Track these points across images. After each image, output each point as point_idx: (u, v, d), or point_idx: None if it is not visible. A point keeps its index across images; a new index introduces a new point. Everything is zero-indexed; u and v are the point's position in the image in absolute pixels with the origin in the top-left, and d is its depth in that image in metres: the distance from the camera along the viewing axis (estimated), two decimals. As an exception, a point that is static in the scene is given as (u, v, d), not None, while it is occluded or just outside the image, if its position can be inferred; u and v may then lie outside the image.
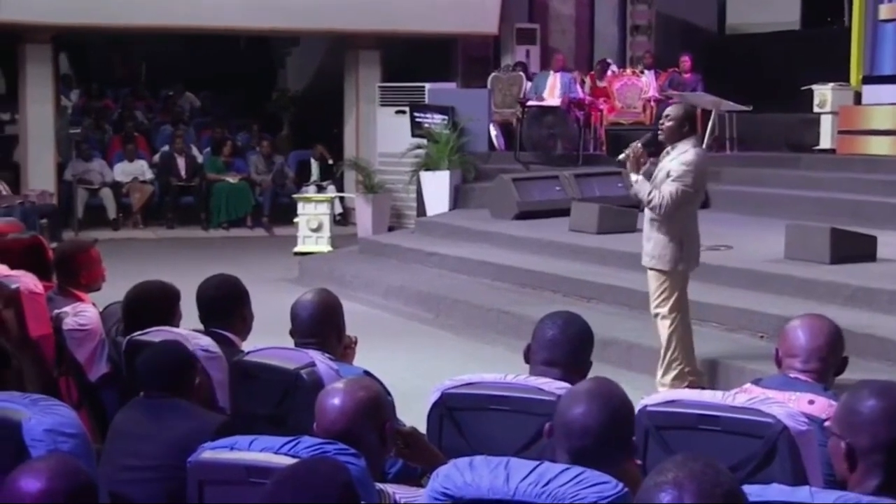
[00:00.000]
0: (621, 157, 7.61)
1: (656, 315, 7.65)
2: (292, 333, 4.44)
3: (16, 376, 5.14)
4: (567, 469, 2.76)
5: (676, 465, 2.35)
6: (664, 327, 7.60)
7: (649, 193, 7.35)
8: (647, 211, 7.58)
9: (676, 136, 7.42)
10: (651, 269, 7.64)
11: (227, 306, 4.86)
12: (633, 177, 7.43)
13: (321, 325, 4.41)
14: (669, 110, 7.66)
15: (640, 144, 7.53)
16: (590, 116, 16.51)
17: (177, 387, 4.01)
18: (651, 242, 7.59)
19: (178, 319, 5.09)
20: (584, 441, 2.97)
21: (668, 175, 7.35)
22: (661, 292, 7.56)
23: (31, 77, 16.87)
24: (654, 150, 7.69)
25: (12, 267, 5.60)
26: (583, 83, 16.77)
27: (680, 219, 7.45)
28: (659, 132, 7.59)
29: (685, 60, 16.69)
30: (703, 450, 3.13)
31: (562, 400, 3.14)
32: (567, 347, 3.96)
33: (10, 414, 3.38)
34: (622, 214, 12.09)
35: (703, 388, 6.98)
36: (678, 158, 7.38)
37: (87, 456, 3.28)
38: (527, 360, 4.06)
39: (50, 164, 16.89)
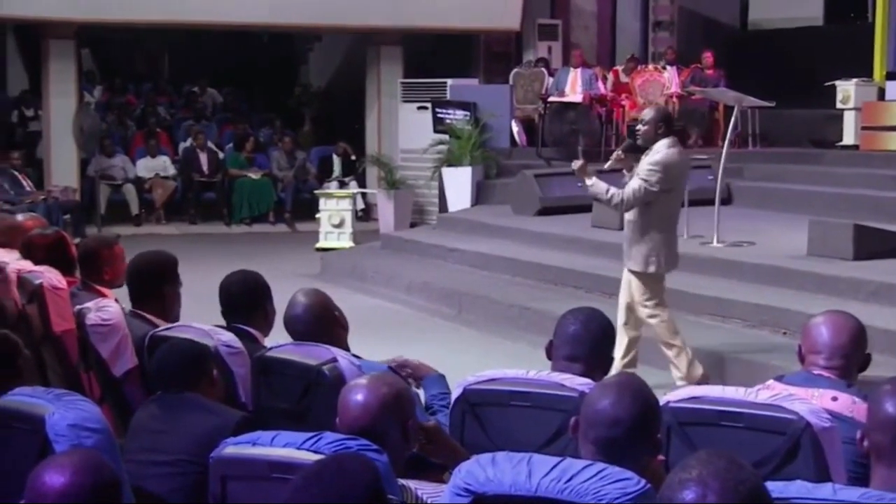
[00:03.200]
0: (607, 165, 7.96)
1: (651, 316, 7.71)
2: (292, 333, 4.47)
3: (39, 371, 5.19)
4: (590, 465, 2.76)
5: (700, 462, 2.34)
6: (658, 327, 7.69)
7: (607, 192, 7.53)
8: (626, 214, 7.72)
9: (653, 137, 7.56)
10: (629, 270, 7.77)
11: (249, 302, 4.88)
12: (587, 181, 7.61)
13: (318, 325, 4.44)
14: (644, 113, 7.86)
15: (620, 151, 7.83)
16: (612, 112, 16.47)
17: (192, 382, 4.01)
18: (626, 244, 7.75)
19: (179, 286, 5.22)
20: (612, 432, 2.97)
21: (637, 175, 7.53)
22: (644, 293, 7.69)
23: (53, 73, 16.93)
24: (639, 151, 7.80)
25: (36, 262, 5.63)
26: (605, 79, 16.74)
27: (654, 221, 7.59)
28: (637, 135, 7.77)
29: (708, 56, 16.62)
30: (726, 446, 3.13)
31: (591, 391, 3.15)
32: (589, 343, 3.97)
33: (33, 409, 3.40)
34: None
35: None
36: (647, 158, 7.54)
37: (111, 451, 3.28)
38: (549, 357, 4.06)
39: (73, 160, 16.95)
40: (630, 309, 7.80)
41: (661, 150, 7.51)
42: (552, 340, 4.05)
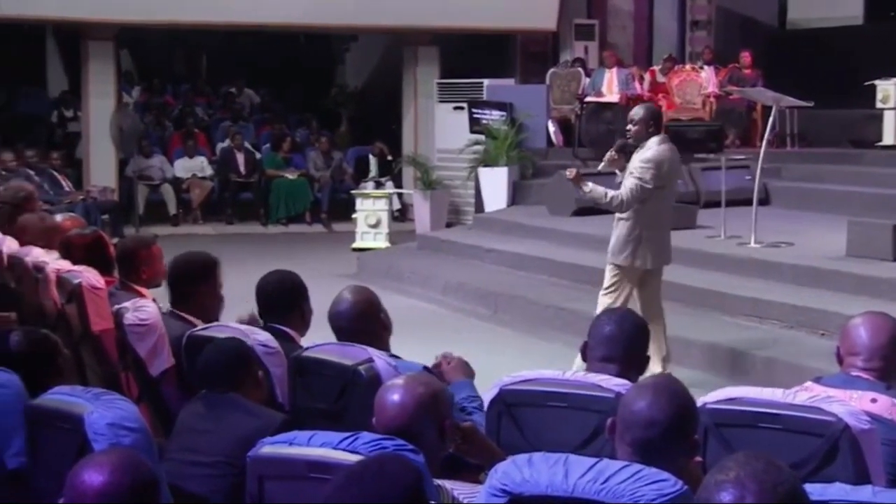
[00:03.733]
0: (601, 167, 8.15)
1: (602, 303, 7.70)
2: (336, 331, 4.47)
3: (78, 370, 5.22)
4: (626, 466, 2.75)
5: (738, 464, 2.33)
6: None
7: (606, 195, 7.65)
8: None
9: (643, 136, 7.69)
10: (608, 262, 7.87)
11: (286, 302, 4.89)
12: (584, 188, 7.69)
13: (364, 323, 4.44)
14: (634, 113, 7.94)
15: (613, 151, 7.95)
16: (648, 112, 16.40)
17: (236, 383, 4.03)
18: (612, 238, 7.85)
19: (218, 287, 5.25)
20: (649, 433, 2.97)
21: (631, 174, 7.65)
22: (611, 284, 7.79)
23: (93, 74, 17.04)
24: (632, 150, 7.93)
25: (75, 262, 5.67)
26: (641, 79, 16.69)
27: (641, 216, 7.67)
28: (627, 135, 7.88)
29: (746, 56, 16.55)
30: (764, 448, 3.10)
31: (628, 392, 3.16)
32: (624, 343, 3.98)
33: (72, 407, 3.42)
34: (681, 211, 12.00)
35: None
36: (638, 156, 7.66)
37: (149, 450, 3.30)
38: (584, 358, 4.07)
39: (111, 161, 17.04)
40: (643, 302, 7.80)
41: (653, 146, 7.64)
42: (587, 341, 4.06)
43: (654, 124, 7.75)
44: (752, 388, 3.64)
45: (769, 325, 8.88)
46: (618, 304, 7.58)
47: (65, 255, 5.90)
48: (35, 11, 16.33)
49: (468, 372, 4.39)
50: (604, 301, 7.73)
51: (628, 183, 7.60)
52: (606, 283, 7.85)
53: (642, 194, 7.58)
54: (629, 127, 7.82)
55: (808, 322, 8.69)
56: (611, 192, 7.66)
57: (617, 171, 7.93)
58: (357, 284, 4.74)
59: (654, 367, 7.28)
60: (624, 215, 7.71)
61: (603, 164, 8.05)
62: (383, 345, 4.44)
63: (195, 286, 5.24)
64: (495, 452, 3.52)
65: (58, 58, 21.49)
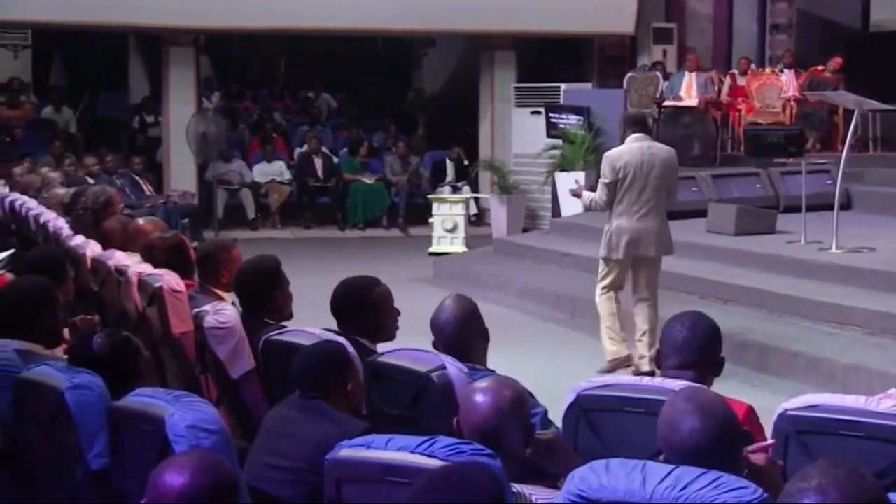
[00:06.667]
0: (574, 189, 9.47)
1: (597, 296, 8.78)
2: (435, 345, 4.46)
3: (158, 372, 5.29)
4: (704, 473, 2.73)
5: (820, 471, 2.30)
6: (598, 306, 8.74)
7: (588, 200, 8.76)
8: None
9: (622, 137, 8.59)
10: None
11: (355, 309, 4.91)
12: (582, 200, 8.97)
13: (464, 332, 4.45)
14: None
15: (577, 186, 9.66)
16: (727, 116, 16.28)
17: (327, 388, 4.01)
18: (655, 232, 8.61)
19: (287, 285, 5.33)
20: (693, 461, 2.89)
21: None
22: (601, 273, 8.73)
23: (174, 79, 17.27)
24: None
25: (156, 265, 5.73)
26: (721, 82, 16.55)
27: (612, 211, 8.50)
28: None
29: (836, 61, 16.29)
30: (846, 455, 3.06)
31: (664, 417, 3.08)
32: (700, 348, 3.95)
33: (153, 409, 3.46)
34: (761, 215, 11.91)
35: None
36: None
37: (228, 452, 3.32)
38: (658, 366, 4.03)
39: (191, 165, 17.24)
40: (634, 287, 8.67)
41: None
42: (660, 350, 4.03)
43: (626, 127, 8.59)
44: (833, 394, 3.60)
45: (851, 331, 8.77)
46: (608, 289, 8.65)
47: (147, 258, 5.97)
48: (118, 18, 16.58)
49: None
50: (598, 292, 8.75)
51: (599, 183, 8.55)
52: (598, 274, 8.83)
53: (602, 190, 8.47)
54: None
55: (892, 329, 8.57)
56: (590, 196, 8.71)
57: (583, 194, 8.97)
58: (458, 294, 4.73)
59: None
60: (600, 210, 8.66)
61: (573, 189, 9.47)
62: (481, 354, 4.46)
63: (271, 290, 5.27)
64: (575, 461, 3.50)
65: (140, 64, 21.79)
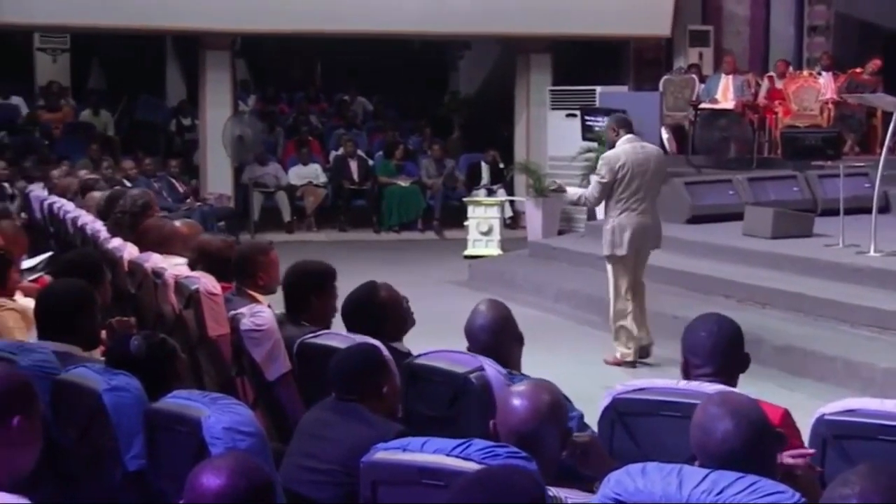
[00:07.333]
0: (553, 188, 9.98)
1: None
2: (470, 351, 4.46)
3: (194, 374, 5.31)
4: (742, 477, 2.71)
5: (861, 478, 2.29)
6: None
7: (577, 196, 9.16)
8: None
9: (613, 139, 9.00)
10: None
11: (373, 317, 4.93)
12: (567, 196, 9.42)
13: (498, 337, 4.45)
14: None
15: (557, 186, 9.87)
16: (764, 119, 16.20)
17: (362, 391, 4.01)
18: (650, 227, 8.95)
19: (333, 297, 5.33)
20: (728, 466, 2.89)
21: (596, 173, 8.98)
22: (614, 276, 8.99)
23: (210, 83, 17.33)
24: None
25: (208, 268, 5.74)
26: (758, 85, 16.47)
27: (611, 210, 8.85)
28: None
29: (875, 63, 16.17)
30: (886, 461, 3.04)
31: (697, 422, 3.07)
32: (725, 351, 3.93)
33: (190, 411, 3.48)
34: (797, 219, 11.84)
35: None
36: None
37: (264, 454, 3.33)
38: (686, 376, 3.97)
39: (227, 168, 17.31)
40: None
41: (617, 146, 8.85)
42: (686, 357, 3.99)
43: (617, 128, 9.01)
44: (872, 399, 3.57)
45: (890, 336, 8.71)
46: (623, 289, 8.93)
47: (198, 260, 5.99)
48: (155, 22, 16.68)
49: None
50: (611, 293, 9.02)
51: (592, 181, 8.84)
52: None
53: (597, 188, 8.85)
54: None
55: (930, 333, 8.51)
56: (580, 191, 9.18)
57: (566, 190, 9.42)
58: (491, 299, 4.74)
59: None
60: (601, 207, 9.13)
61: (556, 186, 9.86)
62: (516, 359, 4.46)
63: (310, 295, 5.29)
64: (611, 465, 3.49)
65: (177, 67, 21.90)
